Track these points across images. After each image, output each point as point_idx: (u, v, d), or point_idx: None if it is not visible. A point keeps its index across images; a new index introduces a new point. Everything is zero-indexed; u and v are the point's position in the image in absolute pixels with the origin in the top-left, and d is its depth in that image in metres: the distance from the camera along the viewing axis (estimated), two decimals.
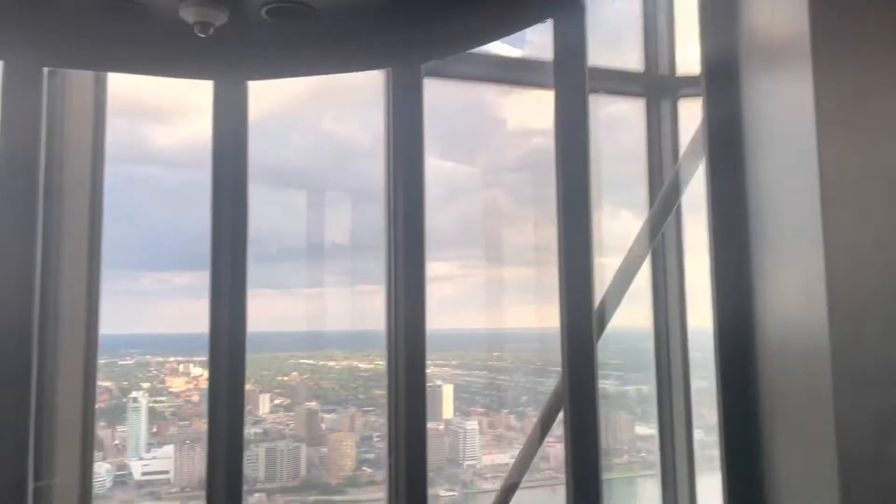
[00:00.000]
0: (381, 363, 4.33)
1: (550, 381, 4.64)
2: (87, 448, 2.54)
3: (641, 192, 3.58)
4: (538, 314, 4.15)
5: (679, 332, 3.28)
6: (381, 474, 3.08)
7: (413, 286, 2.35)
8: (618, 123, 3.81)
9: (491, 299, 3.97)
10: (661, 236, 3.26)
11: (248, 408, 4.18)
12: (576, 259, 2.30)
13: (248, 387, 4.21)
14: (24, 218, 2.16)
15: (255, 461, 3.82)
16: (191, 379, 4.15)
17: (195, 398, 4.10)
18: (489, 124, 4.01)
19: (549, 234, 3.84)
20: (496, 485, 3.38)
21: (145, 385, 4.08)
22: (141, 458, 3.90)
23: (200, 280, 4.23)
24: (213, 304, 2.19)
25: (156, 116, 3.89)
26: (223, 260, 2.21)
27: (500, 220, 4.00)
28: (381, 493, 3.02)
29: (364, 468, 3.90)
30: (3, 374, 2.09)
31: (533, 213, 3.97)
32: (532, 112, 3.91)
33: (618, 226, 3.62)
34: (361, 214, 3.57)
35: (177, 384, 4.17)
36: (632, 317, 3.54)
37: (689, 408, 3.25)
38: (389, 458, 2.42)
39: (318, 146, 3.89)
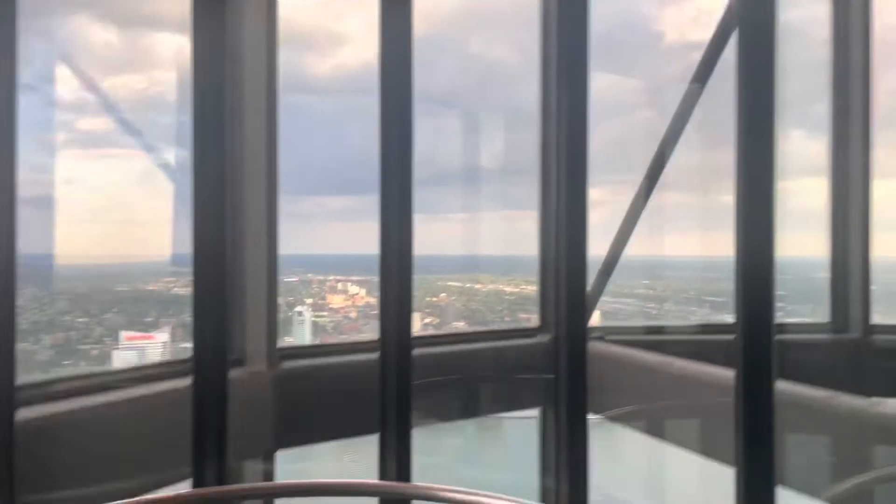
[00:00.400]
0: (526, 287, 4.40)
1: (702, 311, 4.48)
2: (272, 355, 2.80)
3: (819, 108, 3.23)
4: (691, 242, 3.95)
5: (860, 262, 2.98)
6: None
7: (574, 211, 2.27)
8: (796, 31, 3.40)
9: (642, 225, 3.83)
10: (843, 158, 2.94)
11: None
12: (756, 184, 2.12)
13: None
14: (216, 147, 2.34)
15: None
16: (349, 297, 4.45)
17: (353, 314, 4.42)
18: (646, 38, 3.74)
19: (709, 156, 3.59)
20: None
21: (308, 301, 4.41)
22: None
23: (356, 203, 4.47)
24: (383, 227, 2.28)
25: (310, 44, 4.02)
26: (391, 183, 2.27)
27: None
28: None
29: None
30: (205, 295, 2.31)
31: (690, 133, 3.73)
32: (692, 23, 3.60)
33: (790, 147, 3.31)
34: (512, 138, 3.53)
35: (336, 301, 4.49)
36: (800, 244, 3.29)
37: None
38: (551, 375, 2.44)
39: (468, 69, 3.85)
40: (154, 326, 4.25)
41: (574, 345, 2.31)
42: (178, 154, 3.77)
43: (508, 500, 2.03)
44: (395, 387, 2.25)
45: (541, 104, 2.74)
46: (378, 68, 2.22)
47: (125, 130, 4.36)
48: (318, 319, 4.37)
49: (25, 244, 2.20)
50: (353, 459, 3.62)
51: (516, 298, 4.18)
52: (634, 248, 3.54)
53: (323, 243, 4.24)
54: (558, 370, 2.27)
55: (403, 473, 2.23)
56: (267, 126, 2.73)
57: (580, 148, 2.26)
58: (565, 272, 2.21)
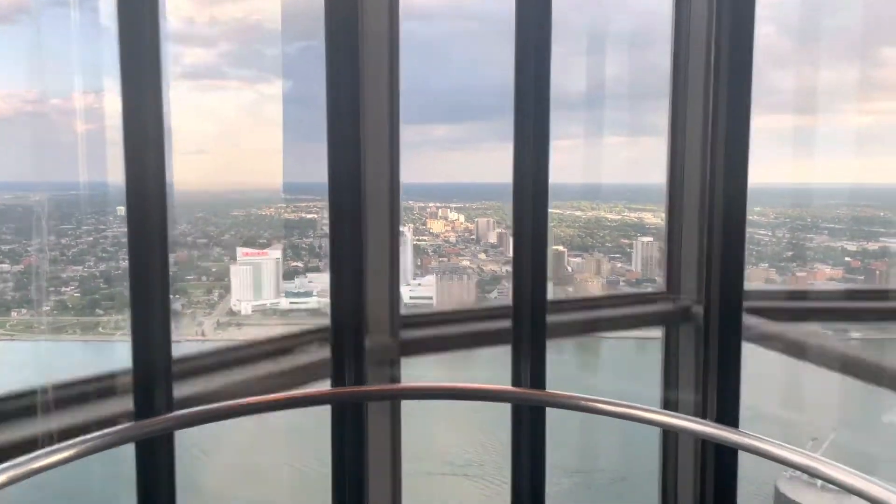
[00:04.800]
0: (627, 215, 4.33)
1: (819, 238, 4.30)
2: (393, 275, 2.90)
3: None
4: (799, 167, 3.74)
5: None
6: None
7: (736, 138, 2.13)
8: None
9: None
10: None
11: (499, 248, 4.51)
12: None
13: (500, 230, 4.51)
14: (351, 79, 2.35)
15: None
16: (448, 223, 4.53)
17: (452, 238, 4.51)
18: None
19: (826, 77, 3.33)
20: None
21: (410, 225, 4.51)
22: (408, 285, 4.43)
23: (455, 132, 4.44)
24: (517, 153, 2.26)
25: None
26: (526, 108, 2.23)
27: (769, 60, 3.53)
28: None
29: None
30: (341, 223, 2.38)
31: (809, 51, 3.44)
32: None
33: None
34: (639, 61, 3.35)
35: (436, 226, 4.58)
36: None
37: None
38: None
39: None
40: (267, 245, 4.48)
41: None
42: (286, 85, 3.81)
43: (655, 412, 2.07)
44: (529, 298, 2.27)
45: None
46: None
47: (232, 62, 4.43)
48: (419, 243, 4.48)
49: None
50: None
51: (618, 225, 4.15)
52: None
53: (424, 172, 4.27)
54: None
55: (538, 383, 2.26)
56: (389, 56, 2.70)
57: (745, 69, 2.08)
58: (722, 200, 2.07)
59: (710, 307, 2.12)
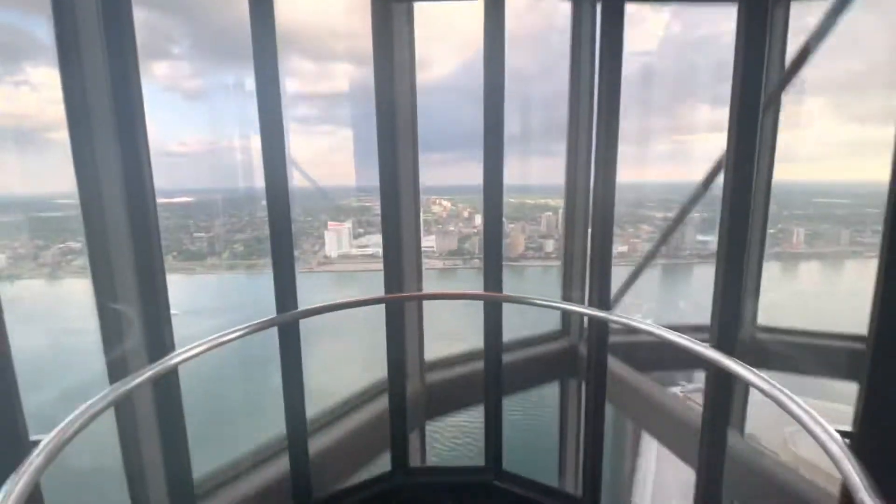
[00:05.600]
0: (539, 201, 4.29)
1: (644, 211, 4.30)
2: (417, 234, 2.86)
3: None
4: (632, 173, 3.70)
5: None
6: None
7: (608, 155, 1.91)
8: None
9: None
10: None
11: (470, 222, 4.46)
12: None
13: (470, 210, 4.44)
14: (389, 127, 2.25)
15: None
16: (443, 207, 4.49)
17: (444, 215, 4.48)
18: None
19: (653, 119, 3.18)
20: None
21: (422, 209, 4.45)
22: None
23: (447, 157, 4.31)
24: (485, 167, 2.19)
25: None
26: (489, 142, 2.15)
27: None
28: None
29: None
30: (388, 207, 2.31)
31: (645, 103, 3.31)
32: None
33: None
34: (550, 112, 3.21)
35: (435, 209, 4.53)
36: None
37: None
38: None
39: None
40: (344, 220, 4.44)
41: None
42: (354, 130, 3.71)
43: (562, 303, 2.01)
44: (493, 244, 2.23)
45: None
46: (483, 67, 2.03)
47: (322, 117, 4.27)
48: (425, 218, 4.43)
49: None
50: None
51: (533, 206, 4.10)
52: None
53: (429, 179, 4.16)
54: None
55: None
56: (411, 114, 2.61)
57: (613, 112, 2.05)
58: None
59: (594, 248, 2.04)
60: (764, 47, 1.55)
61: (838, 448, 0.94)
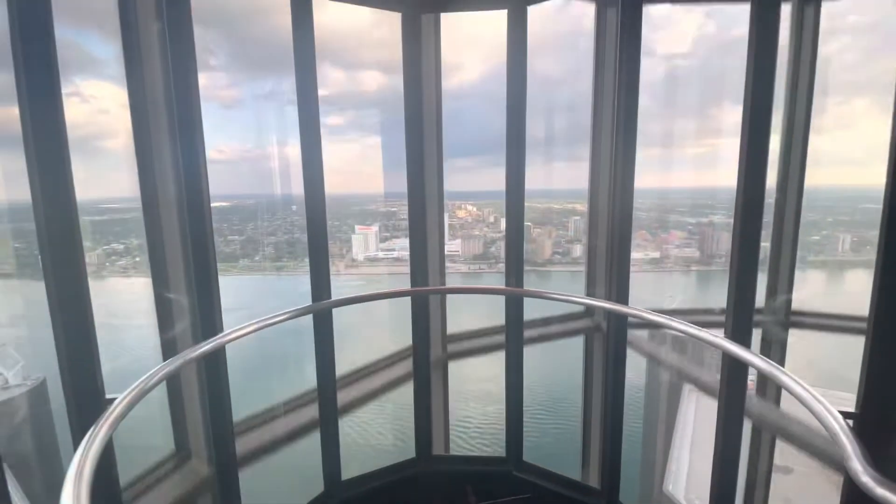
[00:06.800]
0: (565, 205, 4.23)
1: (672, 216, 4.19)
2: (440, 238, 2.91)
3: None
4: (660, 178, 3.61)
5: None
6: None
7: (627, 161, 1.94)
8: None
9: None
10: None
11: (495, 225, 4.49)
12: None
13: (495, 215, 4.47)
14: (416, 132, 2.33)
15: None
16: (467, 212, 4.55)
17: (469, 220, 4.53)
18: None
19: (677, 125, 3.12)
20: None
21: (447, 213, 4.53)
22: (446, 244, 4.48)
23: (471, 162, 4.37)
24: (508, 172, 2.23)
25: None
26: (512, 147, 2.19)
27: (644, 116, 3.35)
28: None
29: None
30: (415, 212, 2.37)
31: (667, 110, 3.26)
32: None
33: None
34: (573, 119, 3.20)
35: (461, 214, 4.59)
36: None
37: None
38: None
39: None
40: (372, 224, 4.59)
41: None
42: (382, 138, 3.83)
43: (585, 298, 2.02)
44: (514, 248, 2.26)
45: None
46: (506, 75, 2.08)
47: (350, 125, 4.45)
48: (451, 223, 4.50)
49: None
50: None
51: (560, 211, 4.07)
52: None
53: (454, 184, 4.24)
54: None
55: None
56: (437, 120, 2.68)
57: (631, 119, 2.08)
58: None
59: (612, 246, 2.05)
60: (775, 47, 1.53)
61: (836, 423, 0.99)
